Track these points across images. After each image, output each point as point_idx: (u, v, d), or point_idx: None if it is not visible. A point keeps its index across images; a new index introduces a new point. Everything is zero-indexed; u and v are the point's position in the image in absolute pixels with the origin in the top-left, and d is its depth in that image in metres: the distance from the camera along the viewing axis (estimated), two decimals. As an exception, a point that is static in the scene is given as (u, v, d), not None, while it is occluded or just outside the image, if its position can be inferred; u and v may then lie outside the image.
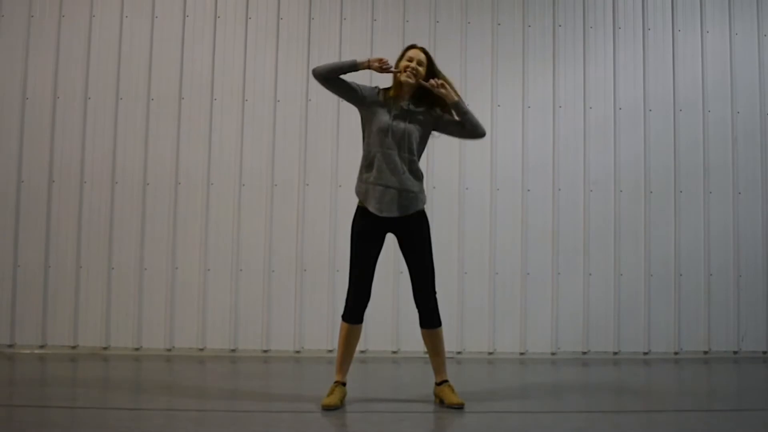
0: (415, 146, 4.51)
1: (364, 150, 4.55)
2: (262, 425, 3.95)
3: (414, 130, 4.49)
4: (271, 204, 6.67)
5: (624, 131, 6.94)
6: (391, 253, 5.09)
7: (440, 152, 6.72)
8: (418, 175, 4.54)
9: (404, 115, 4.51)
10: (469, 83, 6.84)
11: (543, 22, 6.98)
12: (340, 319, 4.60)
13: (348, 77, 4.56)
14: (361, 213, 4.52)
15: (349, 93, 4.57)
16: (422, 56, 4.57)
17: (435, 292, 4.56)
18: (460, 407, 4.40)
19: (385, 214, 4.43)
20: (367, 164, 4.49)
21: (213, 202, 6.66)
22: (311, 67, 6.71)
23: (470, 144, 6.81)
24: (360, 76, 4.65)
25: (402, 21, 6.88)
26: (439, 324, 4.57)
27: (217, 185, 6.67)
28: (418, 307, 4.57)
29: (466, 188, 6.78)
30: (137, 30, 6.73)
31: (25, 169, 6.59)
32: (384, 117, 4.48)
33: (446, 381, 4.57)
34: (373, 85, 4.73)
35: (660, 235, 6.87)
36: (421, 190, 4.57)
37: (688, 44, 7.05)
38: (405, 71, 4.52)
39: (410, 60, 4.55)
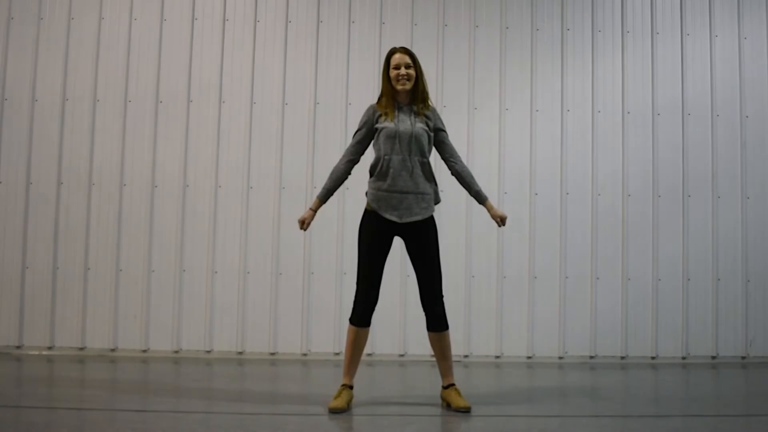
0: (425, 147, 4.53)
1: (374, 158, 4.55)
2: (269, 428, 3.95)
3: (421, 131, 4.50)
4: (278, 206, 6.68)
5: (632, 135, 6.93)
6: (398, 256, 5.11)
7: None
8: (430, 177, 4.57)
9: (408, 119, 4.52)
10: (477, 86, 6.86)
11: (551, 26, 6.98)
12: (347, 321, 4.60)
13: (359, 134, 4.62)
14: (370, 217, 4.52)
15: (367, 139, 4.61)
16: (407, 59, 4.55)
17: (442, 296, 4.56)
18: (466, 411, 4.39)
19: (405, 220, 4.46)
20: (379, 172, 4.49)
21: (221, 205, 6.67)
22: (319, 69, 6.80)
23: (478, 147, 6.83)
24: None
25: (410, 24, 6.88)
26: (447, 327, 4.57)
27: (224, 188, 6.68)
28: (425, 310, 4.57)
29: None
30: (146, 32, 6.76)
31: (33, 170, 6.62)
32: (389, 124, 4.49)
33: (453, 384, 4.56)
34: (372, 104, 4.71)
35: (668, 239, 6.86)
36: (435, 191, 4.63)
37: (697, 48, 7.04)
38: (398, 81, 4.52)
39: (398, 67, 4.53)
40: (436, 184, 4.64)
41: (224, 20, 6.82)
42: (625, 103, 6.96)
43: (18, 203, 6.58)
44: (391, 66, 4.55)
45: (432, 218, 4.60)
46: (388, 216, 4.46)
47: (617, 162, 6.90)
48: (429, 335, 4.60)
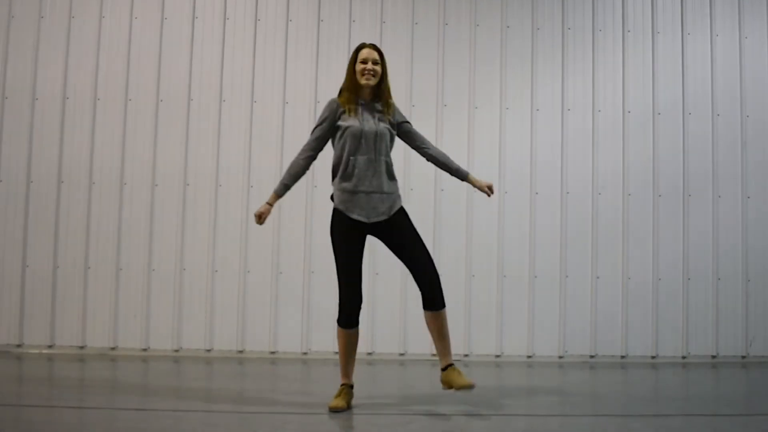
0: (388, 146, 4.49)
1: (336, 157, 4.48)
2: (269, 427, 3.95)
3: (385, 130, 4.46)
4: (279, 205, 6.64)
5: (633, 134, 6.93)
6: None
7: (448, 154, 6.71)
8: (393, 176, 4.51)
9: (372, 117, 4.47)
10: (477, 85, 6.86)
11: (552, 25, 6.98)
12: (345, 321, 4.57)
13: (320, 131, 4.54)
14: (340, 218, 4.46)
15: (327, 134, 4.53)
16: (375, 54, 4.50)
17: (437, 273, 4.44)
18: (470, 389, 4.30)
19: (372, 220, 4.40)
20: (344, 172, 4.43)
21: (221, 204, 6.67)
22: (320, 67, 6.79)
23: (478, 146, 6.83)
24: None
25: (411, 23, 6.88)
26: (444, 305, 4.43)
27: (225, 187, 6.68)
28: (422, 289, 4.42)
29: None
30: (146, 31, 6.76)
31: (34, 169, 6.62)
32: (354, 122, 4.42)
33: (452, 365, 4.42)
34: (333, 98, 4.63)
35: (668, 238, 6.86)
36: (397, 190, 4.55)
37: (698, 47, 7.04)
38: (363, 74, 4.46)
39: (365, 61, 4.48)
40: (397, 183, 4.55)
41: (225, 19, 6.81)
42: (626, 102, 6.96)
43: (18, 202, 6.58)
44: (359, 60, 4.50)
45: (401, 209, 4.52)
46: (355, 216, 4.40)
47: (617, 161, 6.90)
48: (426, 316, 4.45)
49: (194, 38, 6.79)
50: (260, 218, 4.53)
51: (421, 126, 6.67)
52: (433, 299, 4.42)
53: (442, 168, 4.69)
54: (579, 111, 6.93)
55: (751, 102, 7.01)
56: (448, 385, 4.39)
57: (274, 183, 6.61)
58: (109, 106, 6.70)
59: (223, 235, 6.67)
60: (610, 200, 6.87)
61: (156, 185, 6.67)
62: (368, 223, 4.42)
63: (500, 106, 6.88)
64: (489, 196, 4.75)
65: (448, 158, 4.69)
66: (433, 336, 4.50)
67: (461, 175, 4.67)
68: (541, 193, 6.83)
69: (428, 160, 4.69)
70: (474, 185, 4.68)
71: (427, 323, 4.49)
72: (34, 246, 6.58)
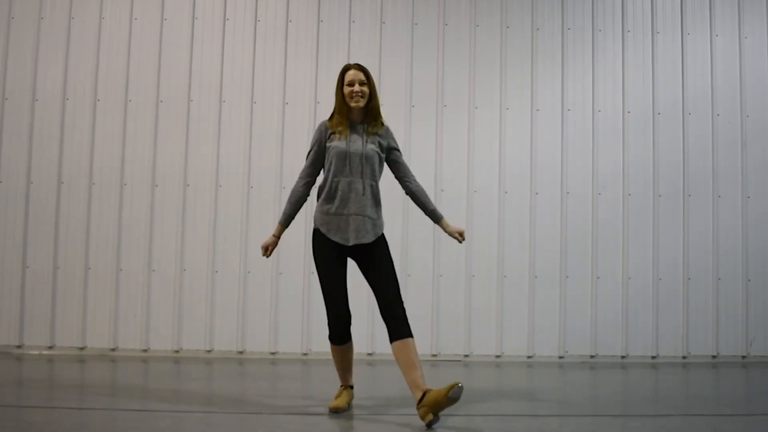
0: (376, 169, 4.40)
1: (322, 179, 4.43)
2: (269, 427, 3.95)
3: (372, 153, 4.37)
4: (278, 206, 6.66)
5: (632, 135, 6.93)
6: (396, 255, 5.08)
7: (449, 154, 6.74)
8: (377, 201, 4.42)
9: (360, 139, 4.38)
10: (477, 86, 6.87)
11: (552, 25, 6.98)
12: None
13: (314, 154, 4.45)
14: (320, 239, 4.39)
15: (321, 158, 4.44)
16: (361, 75, 4.39)
17: (403, 302, 4.30)
18: (459, 389, 3.93)
19: (351, 243, 4.31)
20: (327, 194, 4.37)
21: (221, 204, 6.68)
22: (320, 68, 6.80)
23: (479, 147, 6.83)
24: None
25: (410, 23, 6.88)
26: (411, 334, 4.20)
27: (225, 187, 6.69)
28: (387, 320, 4.24)
29: (474, 191, 6.78)
30: (146, 32, 6.76)
31: (34, 170, 6.62)
32: (340, 144, 4.34)
33: (429, 389, 4.06)
34: (323, 121, 4.52)
35: (668, 238, 6.86)
36: (380, 216, 4.44)
37: (698, 47, 7.04)
38: (352, 97, 4.37)
39: (351, 83, 4.38)
40: (381, 209, 4.45)
41: (224, 20, 6.82)
42: (626, 102, 6.96)
43: (18, 203, 6.58)
44: (345, 82, 4.40)
45: (381, 236, 4.43)
46: (336, 239, 4.33)
47: (617, 161, 6.90)
48: (394, 348, 4.19)
49: (194, 38, 6.80)
50: (266, 251, 4.48)
51: (421, 126, 6.76)
52: (400, 327, 4.19)
53: (418, 205, 4.54)
54: (579, 111, 6.94)
55: (751, 102, 7.01)
56: (435, 405, 3.98)
57: (274, 183, 6.70)
58: (109, 106, 6.70)
59: (223, 235, 6.67)
60: (610, 200, 6.87)
61: (156, 186, 6.67)
62: (348, 246, 4.34)
63: (500, 106, 6.88)
64: (460, 242, 4.60)
65: (427, 197, 4.55)
66: (404, 369, 4.17)
67: (435, 218, 4.52)
68: (541, 193, 6.84)
69: (407, 193, 4.56)
70: (445, 230, 4.54)
71: (396, 357, 4.20)
72: (34, 246, 6.58)
